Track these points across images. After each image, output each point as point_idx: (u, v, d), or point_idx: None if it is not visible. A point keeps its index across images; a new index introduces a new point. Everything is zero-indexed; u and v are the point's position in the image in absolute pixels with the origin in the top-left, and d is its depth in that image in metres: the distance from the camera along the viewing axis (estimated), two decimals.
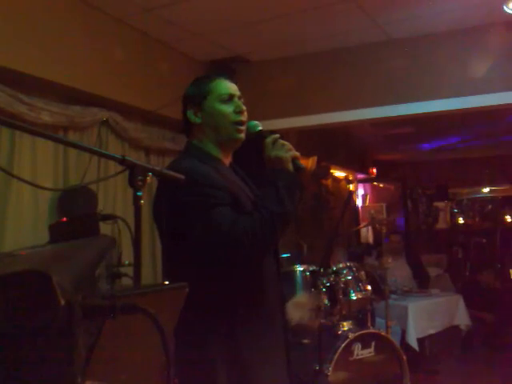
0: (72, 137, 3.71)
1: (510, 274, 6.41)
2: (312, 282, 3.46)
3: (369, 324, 3.91)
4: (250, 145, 1.83)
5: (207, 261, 1.62)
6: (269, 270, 1.79)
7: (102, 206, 3.67)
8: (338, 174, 7.96)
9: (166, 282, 1.01)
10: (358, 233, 8.10)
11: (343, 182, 8.15)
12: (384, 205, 8.74)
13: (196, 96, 1.82)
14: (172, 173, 1.40)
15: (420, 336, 4.76)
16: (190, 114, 1.82)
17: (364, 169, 8.88)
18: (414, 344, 4.62)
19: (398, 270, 5.49)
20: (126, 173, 1.24)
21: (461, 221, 9.79)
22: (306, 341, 3.59)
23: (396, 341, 3.89)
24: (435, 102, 4.23)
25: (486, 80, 4.08)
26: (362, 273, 3.82)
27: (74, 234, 1.86)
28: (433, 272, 6.66)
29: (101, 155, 1.59)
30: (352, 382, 3.47)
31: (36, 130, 1.24)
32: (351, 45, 4.47)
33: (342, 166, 7.84)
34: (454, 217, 9.78)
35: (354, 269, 3.78)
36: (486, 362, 5.54)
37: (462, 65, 4.19)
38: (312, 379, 3.29)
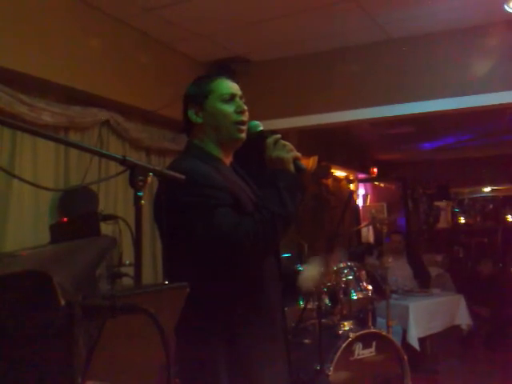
0: (73, 137, 3.71)
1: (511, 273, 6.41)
2: None
3: (370, 324, 3.91)
4: (250, 145, 1.83)
5: (208, 261, 1.62)
6: (270, 270, 1.79)
7: (103, 207, 3.67)
8: (339, 173, 7.95)
9: (166, 282, 1.01)
10: (358, 232, 8.10)
11: (344, 182, 8.15)
12: (385, 204, 8.74)
13: (197, 95, 1.81)
14: (173, 173, 1.40)
15: (421, 336, 4.76)
16: (191, 113, 1.82)
17: (365, 168, 8.87)
18: (415, 344, 4.61)
19: (398, 270, 5.49)
20: (127, 173, 1.24)
21: (462, 220, 9.79)
22: (306, 341, 3.59)
23: (397, 340, 3.89)
24: (435, 101, 4.23)
25: (487, 79, 4.08)
26: (363, 272, 3.82)
27: (74, 235, 1.87)
28: (434, 272, 6.66)
29: (101, 155, 1.60)
30: (353, 382, 3.46)
31: (37, 131, 1.24)
32: (351, 44, 4.47)
33: (342, 165, 7.84)
34: (455, 216, 9.78)
35: (355, 268, 3.78)
36: (487, 362, 5.54)
37: (462, 64, 4.19)
38: (313, 379, 3.28)
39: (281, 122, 4.57)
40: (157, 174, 1.29)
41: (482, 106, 4.17)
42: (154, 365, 0.99)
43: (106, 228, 3.07)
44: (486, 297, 6.05)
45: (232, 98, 1.80)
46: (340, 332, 3.53)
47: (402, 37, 4.33)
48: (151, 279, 4.14)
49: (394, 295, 4.90)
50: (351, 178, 8.29)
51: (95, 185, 3.81)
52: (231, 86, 1.83)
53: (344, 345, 3.37)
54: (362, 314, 3.97)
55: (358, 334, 3.47)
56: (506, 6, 3.71)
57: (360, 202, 8.87)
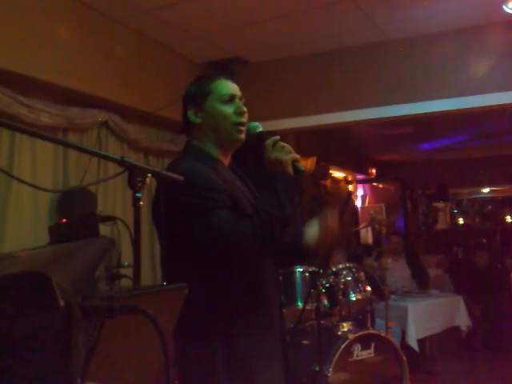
0: (71, 138, 3.72)
1: (510, 276, 6.39)
2: (311, 282, 3.46)
3: (368, 325, 3.91)
4: (249, 146, 1.83)
5: (206, 263, 1.62)
6: (268, 270, 1.79)
7: (102, 208, 3.67)
8: (337, 174, 7.95)
9: (165, 283, 1.01)
10: (357, 233, 8.10)
11: (342, 183, 8.14)
12: (383, 205, 8.74)
13: (197, 96, 1.81)
14: (171, 174, 1.40)
15: (420, 337, 4.75)
16: (191, 113, 1.81)
17: (363, 169, 8.88)
18: (414, 345, 4.61)
19: (397, 271, 5.49)
20: (126, 174, 1.24)
21: (461, 221, 9.80)
22: (305, 342, 3.59)
23: (396, 341, 3.88)
24: (434, 102, 4.24)
25: (485, 80, 4.08)
26: (362, 273, 3.81)
27: (73, 236, 1.86)
28: (432, 272, 6.66)
29: (100, 156, 1.60)
30: (352, 383, 3.46)
31: (36, 132, 1.24)
32: (350, 45, 4.48)
33: (341, 166, 7.84)
34: (453, 217, 9.80)
35: (354, 269, 3.78)
36: (486, 363, 5.54)
37: (461, 65, 4.20)
38: (312, 380, 3.28)
39: (279, 122, 4.57)
40: (155, 175, 1.29)
41: (481, 107, 4.18)
42: (152, 366, 0.99)
43: (104, 229, 3.07)
44: (480, 288, 6.04)
45: (231, 98, 1.80)
46: (339, 333, 3.53)
47: (400, 37, 4.34)
48: (150, 280, 4.14)
49: (392, 296, 4.90)
50: (350, 178, 8.29)
51: (94, 186, 3.81)
52: (231, 87, 1.82)
53: (343, 346, 3.36)
54: (361, 315, 3.98)
55: (356, 335, 3.47)
56: (504, 7, 3.72)
57: (359, 202, 8.87)
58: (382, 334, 3.68)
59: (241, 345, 1.65)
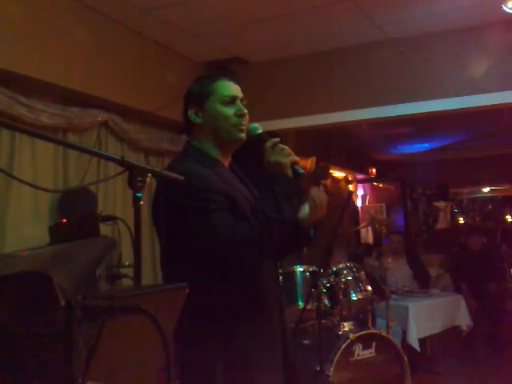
0: (71, 138, 3.72)
1: (510, 274, 6.38)
2: (312, 282, 3.46)
3: (369, 324, 3.91)
4: (249, 147, 1.83)
5: (204, 264, 1.62)
6: (267, 271, 1.79)
7: (102, 207, 3.67)
8: (338, 174, 7.95)
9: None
10: (357, 233, 8.10)
11: (342, 183, 8.14)
12: (384, 205, 8.74)
13: (198, 96, 1.80)
14: (171, 174, 1.40)
15: (421, 336, 4.75)
16: (191, 113, 1.81)
17: (363, 169, 8.88)
18: (415, 344, 4.61)
19: (398, 271, 5.48)
20: (126, 174, 1.24)
21: (461, 221, 9.80)
22: (306, 341, 3.59)
23: (397, 341, 3.88)
24: (434, 101, 4.24)
25: (485, 79, 4.08)
26: (362, 273, 3.81)
27: (74, 235, 1.87)
28: (433, 272, 6.66)
29: (100, 156, 1.60)
30: (353, 383, 3.46)
31: (36, 132, 1.24)
32: (349, 45, 4.47)
33: (341, 166, 7.84)
34: (454, 217, 9.79)
35: (354, 269, 3.78)
36: (487, 363, 5.53)
37: (461, 64, 4.20)
38: (313, 380, 3.28)
39: (279, 122, 4.57)
40: (155, 174, 1.29)
41: (481, 106, 4.18)
42: (153, 365, 0.99)
43: (105, 229, 3.07)
44: (474, 272, 6.03)
45: (233, 100, 1.80)
46: (340, 333, 3.53)
47: (400, 37, 4.34)
48: (150, 280, 4.14)
49: (393, 296, 4.89)
50: (350, 178, 8.29)
51: (94, 186, 3.81)
52: (233, 88, 1.82)
53: (344, 345, 3.36)
54: (362, 315, 3.97)
55: (357, 334, 3.47)
56: (503, 6, 3.72)
57: (359, 202, 8.87)
58: (383, 334, 3.68)
59: (241, 345, 1.65)
